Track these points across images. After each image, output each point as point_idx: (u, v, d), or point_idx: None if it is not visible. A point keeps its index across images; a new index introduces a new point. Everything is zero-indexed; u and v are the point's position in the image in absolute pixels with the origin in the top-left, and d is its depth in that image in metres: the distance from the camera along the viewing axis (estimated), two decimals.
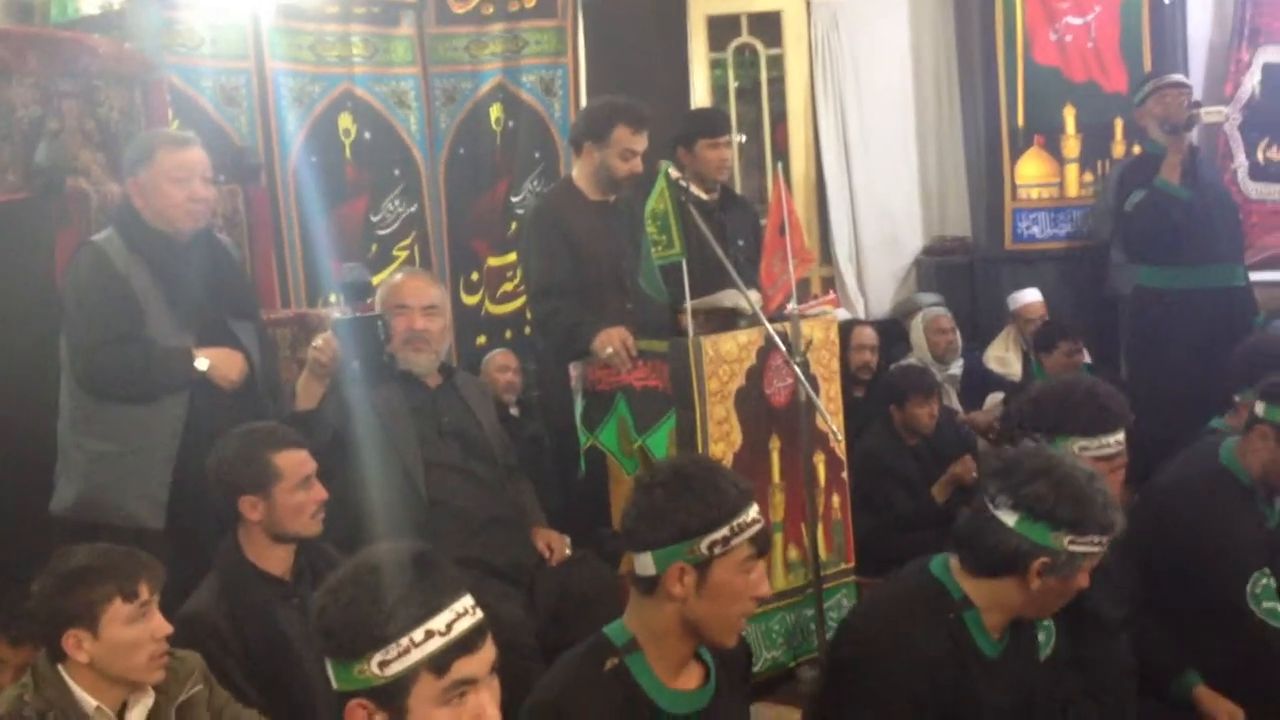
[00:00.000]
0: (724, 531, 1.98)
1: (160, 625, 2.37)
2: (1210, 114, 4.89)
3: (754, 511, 2.03)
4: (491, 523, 3.42)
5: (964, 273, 6.42)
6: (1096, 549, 2.21)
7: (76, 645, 2.28)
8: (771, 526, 3.68)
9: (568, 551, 3.54)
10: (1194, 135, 5.14)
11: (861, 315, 6.33)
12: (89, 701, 2.29)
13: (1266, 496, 3.07)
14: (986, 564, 2.23)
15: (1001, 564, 2.21)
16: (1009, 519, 2.20)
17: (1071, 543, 2.18)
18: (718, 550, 1.98)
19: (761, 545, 2.03)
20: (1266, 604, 2.95)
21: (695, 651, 2.09)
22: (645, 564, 2.01)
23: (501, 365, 5.36)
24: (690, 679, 2.09)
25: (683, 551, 1.98)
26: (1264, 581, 2.96)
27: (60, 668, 2.30)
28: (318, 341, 3.33)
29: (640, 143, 4.01)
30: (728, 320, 3.83)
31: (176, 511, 3.22)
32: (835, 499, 3.88)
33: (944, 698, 2.17)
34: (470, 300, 5.77)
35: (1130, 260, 5.19)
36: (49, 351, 3.37)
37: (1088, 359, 5.43)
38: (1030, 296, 5.89)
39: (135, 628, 2.32)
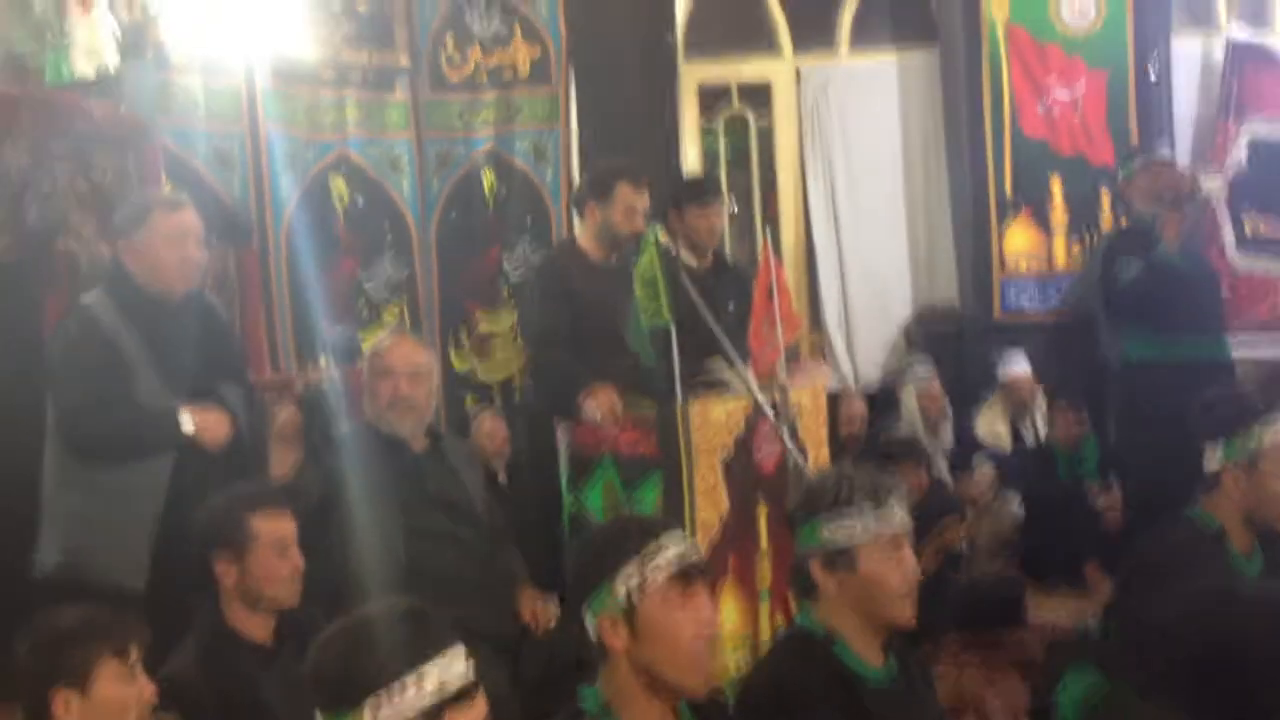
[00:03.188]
0: (630, 569, 1.94)
1: (147, 687, 2.35)
2: (1208, 181, 4.97)
3: (668, 540, 1.97)
4: (476, 589, 3.40)
5: (952, 342, 6.42)
6: (858, 527, 2.23)
7: (65, 706, 2.25)
8: (759, 594, 3.65)
9: (553, 623, 3.51)
10: None
11: (851, 382, 6.32)
12: None
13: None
14: (803, 586, 2.32)
15: (805, 578, 2.29)
16: None
17: (829, 532, 2.24)
18: (634, 590, 1.94)
19: (686, 572, 1.96)
20: None
21: (675, 710, 2.03)
22: (590, 626, 1.99)
23: (490, 432, 5.34)
24: None
25: (605, 603, 1.95)
26: None
27: None
28: (281, 415, 3.35)
29: (642, 201, 4.09)
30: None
31: (158, 572, 3.19)
32: None
33: None
34: (460, 365, 5.76)
35: (1119, 333, 5.17)
36: (37, 414, 3.36)
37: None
38: (1019, 369, 5.89)
39: (125, 688, 2.29)
